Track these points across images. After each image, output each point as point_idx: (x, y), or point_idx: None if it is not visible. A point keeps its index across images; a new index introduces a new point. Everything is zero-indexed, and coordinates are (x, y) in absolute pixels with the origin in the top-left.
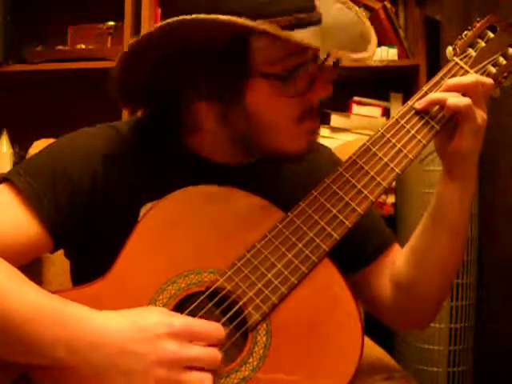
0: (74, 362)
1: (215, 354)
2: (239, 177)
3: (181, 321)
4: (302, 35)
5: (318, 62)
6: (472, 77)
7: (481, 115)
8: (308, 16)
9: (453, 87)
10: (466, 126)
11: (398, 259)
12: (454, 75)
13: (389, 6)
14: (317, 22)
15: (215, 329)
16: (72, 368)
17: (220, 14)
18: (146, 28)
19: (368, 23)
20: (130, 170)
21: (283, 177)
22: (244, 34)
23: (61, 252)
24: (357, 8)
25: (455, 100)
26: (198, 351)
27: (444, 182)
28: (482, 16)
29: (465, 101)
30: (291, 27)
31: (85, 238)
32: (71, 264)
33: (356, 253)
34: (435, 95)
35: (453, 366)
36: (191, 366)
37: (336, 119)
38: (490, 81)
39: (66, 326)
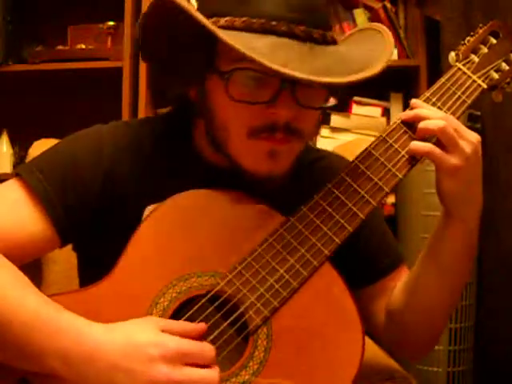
0: (66, 373)
1: (211, 375)
2: (243, 181)
3: (174, 342)
4: (257, 41)
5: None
6: (440, 122)
7: (460, 152)
8: (271, 24)
9: (422, 131)
10: (439, 168)
11: (397, 285)
12: (456, 80)
13: (389, 5)
14: (283, 33)
15: (208, 349)
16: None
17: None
18: None
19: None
20: (137, 171)
21: (289, 182)
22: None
23: (61, 252)
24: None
25: (418, 145)
26: (189, 374)
27: (440, 221)
28: (482, 16)
29: (424, 147)
30: (247, 30)
31: (91, 236)
32: (78, 258)
33: (359, 271)
34: (423, 113)
35: (453, 366)
36: None
37: (336, 119)
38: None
39: (62, 336)
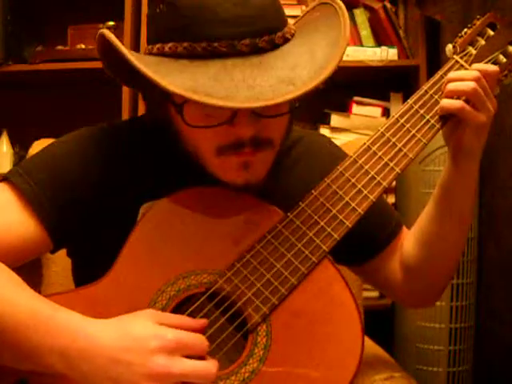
0: (66, 370)
1: (209, 367)
2: None
3: (173, 334)
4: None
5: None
6: (471, 83)
7: (487, 110)
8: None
9: (452, 92)
10: (466, 125)
11: (405, 242)
12: None
13: (389, 5)
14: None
15: (204, 341)
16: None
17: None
18: (145, 28)
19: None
20: (129, 170)
21: (285, 176)
22: None
23: (61, 252)
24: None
25: (447, 102)
26: (188, 366)
27: (449, 169)
28: (482, 16)
29: (456, 104)
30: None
31: (84, 238)
32: (73, 264)
33: (368, 241)
34: (455, 75)
35: (453, 366)
36: (181, 380)
37: (336, 119)
38: (493, 68)
39: (58, 333)
